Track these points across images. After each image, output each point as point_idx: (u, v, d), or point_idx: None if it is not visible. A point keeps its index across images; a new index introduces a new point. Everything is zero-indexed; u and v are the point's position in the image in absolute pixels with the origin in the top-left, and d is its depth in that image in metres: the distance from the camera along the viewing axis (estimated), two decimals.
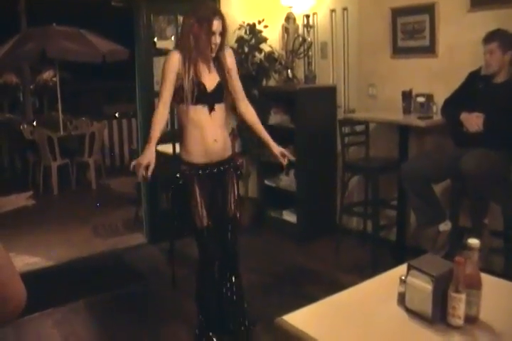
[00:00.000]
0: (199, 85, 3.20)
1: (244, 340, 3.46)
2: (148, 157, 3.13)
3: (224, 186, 3.36)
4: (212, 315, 3.41)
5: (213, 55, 3.21)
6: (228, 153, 3.39)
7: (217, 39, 3.15)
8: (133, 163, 3.16)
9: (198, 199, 3.30)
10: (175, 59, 3.20)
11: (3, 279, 1.14)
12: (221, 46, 3.23)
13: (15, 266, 1.19)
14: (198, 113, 3.25)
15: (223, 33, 3.19)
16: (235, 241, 3.44)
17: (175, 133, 5.45)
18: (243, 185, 5.68)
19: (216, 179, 3.34)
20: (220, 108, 3.28)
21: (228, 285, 3.45)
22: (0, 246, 1.15)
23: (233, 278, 3.44)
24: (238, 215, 3.43)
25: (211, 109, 3.24)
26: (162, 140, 5.35)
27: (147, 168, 3.10)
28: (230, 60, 3.33)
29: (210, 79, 3.24)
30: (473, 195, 3.74)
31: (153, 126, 3.27)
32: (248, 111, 3.47)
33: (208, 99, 3.24)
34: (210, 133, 3.26)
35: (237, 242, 3.45)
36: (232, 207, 3.38)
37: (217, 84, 3.25)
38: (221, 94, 3.27)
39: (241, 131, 5.45)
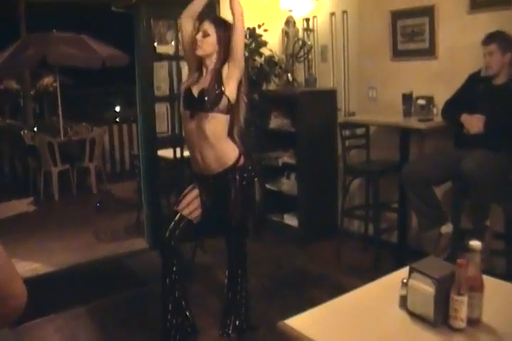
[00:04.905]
0: (186, 90, 3.22)
1: None
2: None
3: (226, 195, 3.29)
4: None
5: (198, 53, 3.15)
6: (224, 166, 3.23)
7: (198, 37, 3.13)
8: None
9: (191, 190, 3.36)
10: None
11: (3, 278, 1.14)
12: (223, 57, 3.18)
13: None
14: (185, 119, 3.24)
15: (219, 38, 3.15)
16: (239, 250, 3.44)
17: (176, 138, 5.48)
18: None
19: (216, 188, 3.32)
20: (207, 118, 3.12)
21: (233, 287, 3.46)
22: (0, 247, 1.15)
23: (238, 282, 3.46)
24: (244, 223, 3.43)
25: (192, 116, 3.17)
26: (163, 145, 5.44)
27: None
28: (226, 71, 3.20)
29: (200, 84, 3.19)
30: (474, 196, 3.74)
31: None
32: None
33: (192, 104, 3.19)
34: (196, 146, 3.22)
35: (242, 250, 3.46)
36: (237, 216, 3.34)
37: (200, 90, 3.16)
38: (203, 101, 3.11)
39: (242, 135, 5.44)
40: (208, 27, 3.14)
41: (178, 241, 3.29)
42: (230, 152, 3.25)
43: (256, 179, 3.42)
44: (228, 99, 3.13)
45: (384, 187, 4.62)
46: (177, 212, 3.31)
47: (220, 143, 3.20)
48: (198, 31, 3.17)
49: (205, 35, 3.13)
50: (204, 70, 3.23)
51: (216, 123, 3.15)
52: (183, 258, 3.37)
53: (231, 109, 3.17)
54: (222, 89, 3.12)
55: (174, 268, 3.27)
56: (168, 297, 3.31)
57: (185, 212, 3.30)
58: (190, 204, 3.32)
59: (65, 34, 8.11)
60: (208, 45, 3.14)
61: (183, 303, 3.38)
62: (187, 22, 3.25)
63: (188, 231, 3.35)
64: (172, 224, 3.26)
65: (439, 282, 1.79)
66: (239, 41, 3.13)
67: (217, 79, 3.14)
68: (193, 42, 3.17)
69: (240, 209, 3.31)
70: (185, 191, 3.39)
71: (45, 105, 12.61)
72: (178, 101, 3.54)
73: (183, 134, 3.36)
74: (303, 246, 5.21)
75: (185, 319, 3.41)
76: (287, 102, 5.44)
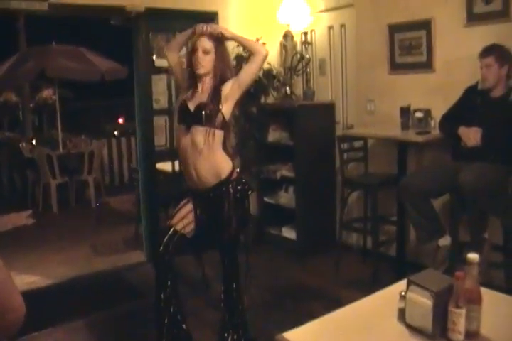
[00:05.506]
0: (182, 105, 3.25)
1: None
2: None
3: (219, 209, 3.26)
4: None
5: (199, 72, 3.17)
6: (218, 179, 3.21)
7: (199, 55, 3.15)
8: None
9: (185, 204, 3.36)
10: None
11: (2, 291, 1.14)
12: (220, 73, 3.21)
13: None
14: (180, 134, 3.26)
15: (217, 55, 3.18)
16: (233, 263, 3.41)
17: (174, 151, 5.48)
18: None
19: (210, 202, 3.30)
20: (202, 132, 3.14)
21: (229, 301, 3.44)
22: None
23: (234, 296, 3.43)
24: (238, 236, 3.41)
25: (187, 129, 3.19)
26: (161, 158, 5.45)
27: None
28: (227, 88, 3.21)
29: (196, 100, 3.20)
30: (472, 209, 3.74)
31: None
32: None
33: (188, 118, 3.20)
34: (190, 160, 3.22)
35: (236, 263, 3.43)
36: (231, 230, 3.29)
37: (197, 105, 3.17)
38: (200, 115, 3.13)
39: (240, 149, 5.44)
40: (207, 44, 3.15)
41: (172, 256, 3.28)
42: (223, 164, 3.25)
43: (250, 192, 3.40)
44: (223, 116, 3.16)
45: (382, 200, 4.63)
46: (171, 227, 3.31)
47: (215, 156, 3.20)
48: (195, 49, 3.17)
49: (206, 52, 3.15)
50: (200, 86, 3.24)
51: (211, 137, 3.15)
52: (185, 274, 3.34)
53: (224, 126, 3.20)
54: (220, 106, 3.14)
55: (169, 283, 3.27)
56: (164, 312, 3.30)
57: (179, 227, 3.29)
58: (184, 218, 3.31)
59: (65, 47, 8.15)
60: (209, 62, 3.17)
61: (179, 318, 3.36)
62: (171, 55, 3.39)
63: (182, 246, 3.35)
64: (166, 239, 3.26)
65: (437, 295, 1.79)
66: (250, 70, 3.22)
67: (216, 96, 3.16)
68: (194, 61, 3.17)
69: (233, 222, 3.28)
70: (179, 205, 3.38)
71: (44, 118, 12.62)
72: (174, 115, 3.55)
73: (178, 148, 3.35)
74: (301, 259, 5.20)
75: (182, 331, 3.39)
76: (285, 115, 5.45)
